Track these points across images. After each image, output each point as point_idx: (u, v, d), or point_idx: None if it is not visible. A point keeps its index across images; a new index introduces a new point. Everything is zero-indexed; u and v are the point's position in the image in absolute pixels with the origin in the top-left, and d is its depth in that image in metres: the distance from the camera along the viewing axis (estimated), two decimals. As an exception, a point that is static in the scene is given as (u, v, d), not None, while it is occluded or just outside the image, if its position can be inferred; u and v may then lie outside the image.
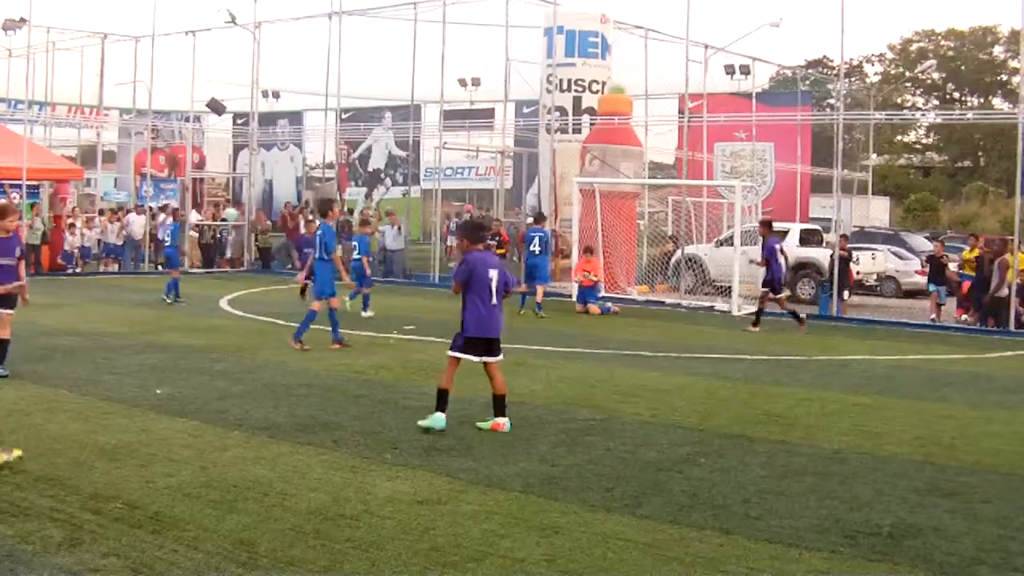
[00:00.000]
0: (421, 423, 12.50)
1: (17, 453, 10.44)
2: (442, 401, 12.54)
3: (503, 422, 12.62)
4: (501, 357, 12.92)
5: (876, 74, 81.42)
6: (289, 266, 41.86)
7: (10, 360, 16.32)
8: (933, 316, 29.19)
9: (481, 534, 8.58)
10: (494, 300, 12.58)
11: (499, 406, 12.74)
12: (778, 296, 25.63)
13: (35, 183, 38.29)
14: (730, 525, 9.03)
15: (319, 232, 20.54)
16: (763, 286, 25.69)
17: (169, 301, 27.18)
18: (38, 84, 43.65)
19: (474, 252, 12.77)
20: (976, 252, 28.80)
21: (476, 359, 12.68)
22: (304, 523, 8.73)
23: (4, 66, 44.34)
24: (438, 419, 12.45)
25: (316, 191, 49.68)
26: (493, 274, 12.55)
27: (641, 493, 9.98)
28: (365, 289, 25.61)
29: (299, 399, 14.40)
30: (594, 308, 28.60)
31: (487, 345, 12.72)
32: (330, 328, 19.99)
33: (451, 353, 12.70)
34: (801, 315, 25.70)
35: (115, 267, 39.92)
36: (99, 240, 40.09)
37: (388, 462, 10.92)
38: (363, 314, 25.22)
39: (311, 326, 19.62)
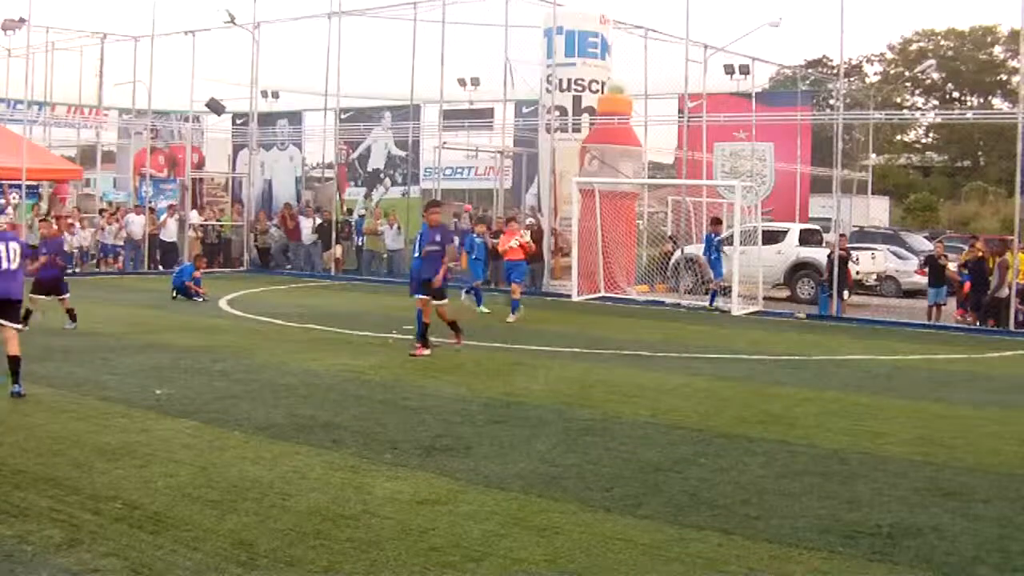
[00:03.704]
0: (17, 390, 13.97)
1: None
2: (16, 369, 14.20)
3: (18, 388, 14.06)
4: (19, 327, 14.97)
5: (876, 74, 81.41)
6: (288, 267, 41.89)
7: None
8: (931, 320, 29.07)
9: (481, 534, 8.58)
10: (6, 266, 14.31)
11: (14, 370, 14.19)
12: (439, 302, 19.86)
13: (35, 183, 38.28)
14: (730, 525, 9.03)
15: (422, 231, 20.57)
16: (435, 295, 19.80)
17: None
18: (37, 84, 43.63)
19: None
20: (974, 254, 28.66)
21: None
22: (304, 523, 8.74)
23: (3, 66, 44.30)
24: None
25: (315, 191, 49.69)
26: (1, 247, 14.31)
27: (641, 493, 9.98)
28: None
29: (299, 399, 14.40)
30: (516, 288, 26.68)
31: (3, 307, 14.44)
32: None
33: None
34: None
35: (116, 267, 39.91)
36: (97, 240, 40.02)
37: (387, 462, 10.93)
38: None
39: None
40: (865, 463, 11.47)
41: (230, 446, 11.50)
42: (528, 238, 27.85)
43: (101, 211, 41.84)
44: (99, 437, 11.71)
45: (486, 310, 27.11)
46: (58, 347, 18.81)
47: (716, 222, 31.41)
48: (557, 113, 35.90)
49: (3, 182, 37.06)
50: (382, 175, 50.80)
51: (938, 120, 74.90)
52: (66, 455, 10.86)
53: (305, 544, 8.22)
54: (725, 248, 30.33)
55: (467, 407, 14.10)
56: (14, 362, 14.18)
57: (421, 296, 19.72)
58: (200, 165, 49.51)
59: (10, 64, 43.52)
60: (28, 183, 36.75)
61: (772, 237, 34.77)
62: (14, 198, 37.21)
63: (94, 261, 39.90)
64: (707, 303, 30.25)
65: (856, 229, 41.79)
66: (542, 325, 25.16)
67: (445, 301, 19.70)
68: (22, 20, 40.12)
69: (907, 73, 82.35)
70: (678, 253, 33.96)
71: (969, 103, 79.67)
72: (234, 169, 52.25)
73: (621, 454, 11.56)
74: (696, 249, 34.20)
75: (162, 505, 9.17)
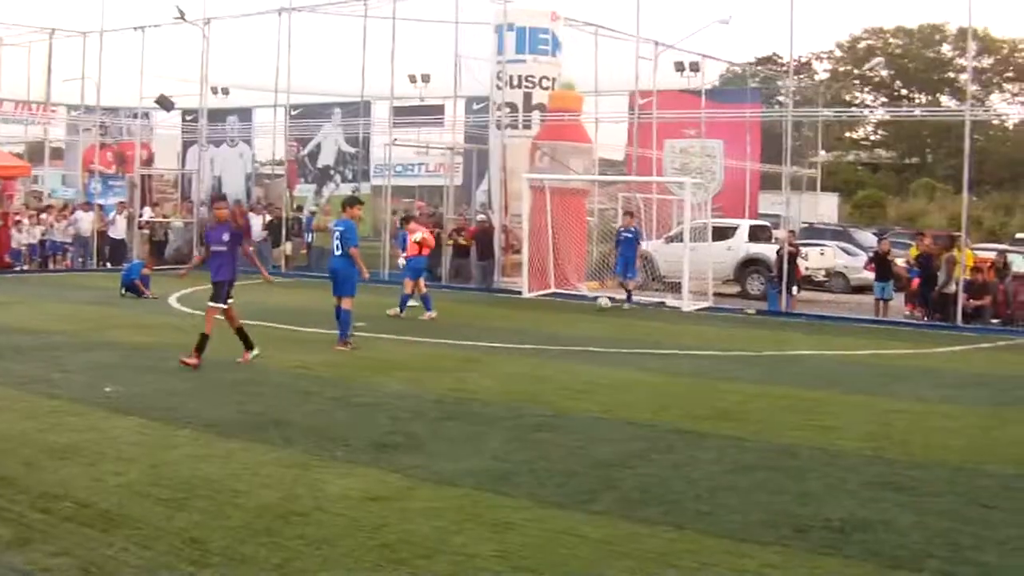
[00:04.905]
0: None
1: None
2: None
3: None
4: None
5: (825, 71, 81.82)
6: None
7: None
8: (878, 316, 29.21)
9: (432, 530, 8.58)
10: None
11: None
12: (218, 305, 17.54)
13: (-18, 180, 38.04)
14: (682, 520, 9.06)
15: (341, 227, 19.75)
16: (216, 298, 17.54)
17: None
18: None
19: None
20: (921, 250, 28.88)
21: None
22: (255, 520, 8.71)
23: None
24: None
25: (265, 187, 49.53)
26: None
27: (593, 489, 9.99)
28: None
29: (249, 396, 14.35)
30: (408, 284, 25.58)
31: None
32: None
33: None
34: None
35: (65, 264, 39.70)
36: (43, 239, 39.66)
37: (339, 459, 10.91)
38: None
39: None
40: (816, 458, 11.54)
41: (180, 444, 11.44)
42: (423, 236, 26.69)
43: (48, 207, 41.45)
44: (48, 436, 11.62)
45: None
46: (5, 345, 18.67)
47: (628, 215, 31.50)
48: (507, 110, 35.89)
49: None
50: (332, 172, 50.72)
51: (886, 117, 75.35)
52: (15, 454, 10.77)
53: (257, 541, 8.18)
54: (642, 242, 30.60)
55: (418, 404, 14.08)
56: None
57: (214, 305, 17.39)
58: (149, 162, 49.24)
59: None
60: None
61: (722, 233, 34.92)
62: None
63: (42, 259, 39.54)
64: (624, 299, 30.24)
65: (805, 225, 42.03)
66: (493, 322, 25.19)
67: (221, 305, 17.38)
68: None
69: (856, 71, 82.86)
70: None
71: (917, 100, 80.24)
72: (183, 166, 52.00)
73: (573, 450, 11.57)
74: (646, 245, 34.33)
75: (112, 503, 9.11)
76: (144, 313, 24.71)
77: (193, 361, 16.76)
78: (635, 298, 30.56)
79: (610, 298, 30.06)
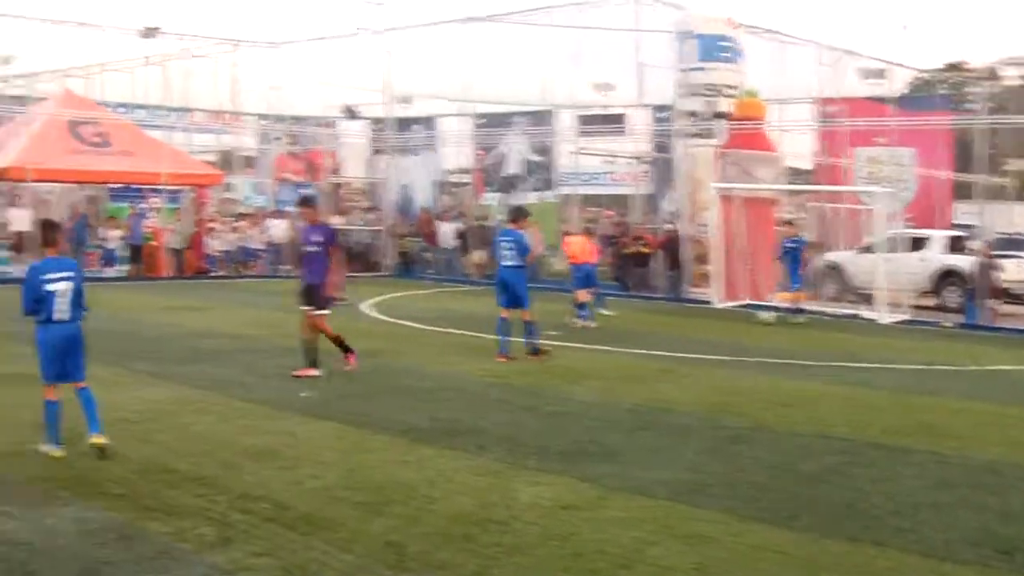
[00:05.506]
0: None
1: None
2: None
3: None
4: None
5: (1020, 76, 79.84)
6: (429, 271, 42.02)
7: (158, 361, 16.73)
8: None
9: (629, 541, 8.52)
10: None
11: None
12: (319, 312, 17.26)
13: (176, 188, 38.99)
14: (882, 536, 8.85)
15: (512, 238, 19.45)
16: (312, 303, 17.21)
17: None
18: (175, 90, 44.50)
19: None
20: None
21: None
22: (451, 527, 8.75)
23: (142, 73, 45.19)
24: None
25: (453, 196, 49.92)
26: None
27: (791, 503, 9.82)
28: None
29: (441, 403, 14.44)
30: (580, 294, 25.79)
31: None
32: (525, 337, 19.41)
33: None
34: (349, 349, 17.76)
35: (256, 270, 40.60)
36: (239, 245, 40.62)
37: (531, 467, 10.89)
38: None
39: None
40: (1020, 475, 11.20)
41: (375, 448, 11.57)
42: (573, 249, 26.82)
43: (244, 215, 42.51)
44: (246, 438, 11.85)
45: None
46: (203, 349, 19.13)
47: (787, 224, 30.88)
48: (691, 118, 35.66)
49: (145, 187, 37.91)
50: (518, 180, 50.92)
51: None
52: (214, 455, 11.01)
53: (453, 547, 8.22)
54: (807, 254, 29.85)
55: (611, 413, 14.03)
56: None
57: (303, 307, 17.16)
58: (337, 170, 50.03)
59: (148, 71, 44.43)
60: (169, 188, 37.47)
61: (915, 244, 34.18)
62: (156, 203, 38.07)
63: (236, 264, 40.48)
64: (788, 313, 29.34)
65: (1003, 236, 40.87)
66: (684, 332, 24.95)
67: (325, 312, 17.17)
68: (159, 29, 41.00)
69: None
70: (819, 259, 33.51)
71: (1116, 106, 77.83)
72: (371, 174, 52.72)
73: (770, 463, 11.40)
74: (837, 256, 33.84)
75: (311, 506, 9.25)
76: (337, 320, 25.02)
77: (351, 366, 17.17)
78: (827, 309, 30.02)
79: (789, 309, 29.36)
